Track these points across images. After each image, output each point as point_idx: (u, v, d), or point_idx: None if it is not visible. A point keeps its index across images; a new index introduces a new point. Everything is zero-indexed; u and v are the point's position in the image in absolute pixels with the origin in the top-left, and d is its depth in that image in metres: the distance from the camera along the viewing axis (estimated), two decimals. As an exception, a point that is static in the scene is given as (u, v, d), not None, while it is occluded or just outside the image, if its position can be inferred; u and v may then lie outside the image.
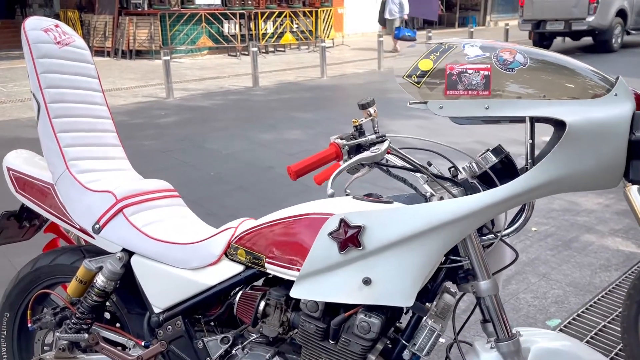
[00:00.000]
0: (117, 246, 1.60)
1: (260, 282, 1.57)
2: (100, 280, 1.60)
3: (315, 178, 1.55)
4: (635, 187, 1.95)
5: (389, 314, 1.38)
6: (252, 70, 9.35)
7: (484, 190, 1.27)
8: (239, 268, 1.51)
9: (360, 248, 1.27)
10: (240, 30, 14.31)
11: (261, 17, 14.59)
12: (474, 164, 1.31)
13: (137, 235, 1.58)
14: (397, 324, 1.50)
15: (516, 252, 1.39)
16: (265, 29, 14.82)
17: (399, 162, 1.37)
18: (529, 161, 1.22)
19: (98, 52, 13.76)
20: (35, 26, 1.71)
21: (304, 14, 15.59)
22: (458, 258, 1.34)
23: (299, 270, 1.37)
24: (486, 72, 1.19)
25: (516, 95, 1.17)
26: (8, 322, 1.87)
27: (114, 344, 1.67)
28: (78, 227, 1.65)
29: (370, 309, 1.35)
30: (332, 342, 1.38)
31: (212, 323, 1.63)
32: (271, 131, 6.16)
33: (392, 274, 1.27)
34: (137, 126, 6.43)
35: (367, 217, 1.26)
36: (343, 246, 1.28)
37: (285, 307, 1.46)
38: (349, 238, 1.27)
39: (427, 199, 1.34)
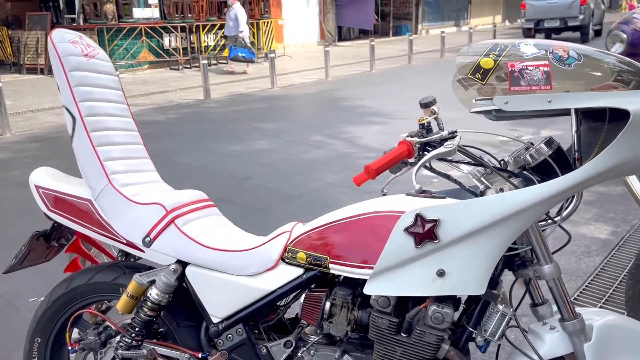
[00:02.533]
0: (170, 258, 1.58)
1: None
2: (154, 293, 1.57)
3: (355, 179, 1.60)
4: (634, 175, 2.13)
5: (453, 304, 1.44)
6: (203, 83, 9.24)
7: (537, 180, 1.37)
8: (299, 271, 1.52)
9: (436, 241, 1.32)
10: (182, 43, 14.09)
11: (202, 30, 14.44)
12: (527, 156, 1.39)
13: (192, 245, 1.56)
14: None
15: (569, 235, 1.49)
16: (207, 42, 14.68)
17: (463, 158, 1.43)
18: (576, 150, 1.32)
19: (30, 69, 13.14)
20: (62, 39, 1.66)
21: (245, 25, 15.57)
22: (517, 246, 1.42)
23: (367, 268, 1.40)
24: (546, 69, 1.28)
25: (577, 89, 1.27)
26: (39, 347, 1.79)
27: (168, 359, 1.63)
28: (125, 241, 1.61)
29: (439, 300, 1.40)
30: (405, 335, 1.42)
31: (265, 329, 1.63)
32: (238, 142, 6.12)
33: (466, 264, 1.34)
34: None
35: (442, 211, 1.32)
36: (419, 240, 1.33)
37: (352, 306, 1.49)
38: (426, 232, 1.32)
39: (481, 193, 1.41)
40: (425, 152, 1.38)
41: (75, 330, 1.81)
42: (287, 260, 1.54)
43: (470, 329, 1.45)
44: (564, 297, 1.40)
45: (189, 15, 14.51)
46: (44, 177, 1.74)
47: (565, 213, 1.45)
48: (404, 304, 1.45)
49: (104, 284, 1.70)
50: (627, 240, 3.34)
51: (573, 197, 1.46)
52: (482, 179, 1.42)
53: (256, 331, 1.62)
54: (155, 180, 1.80)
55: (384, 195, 1.54)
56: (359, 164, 5.17)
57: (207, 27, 14.55)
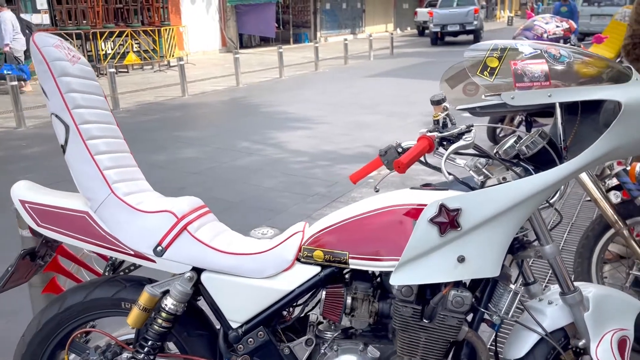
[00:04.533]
0: (184, 266, 1.54)
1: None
2: (169, 303, 1.52)
3: (352, 178, 1.66)
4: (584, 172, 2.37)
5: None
6: (111, 92, 8.81)
7: (533, 169, 1.50)
8: (316, 269, 1.55)
9: (458, 229, 1.41)
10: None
11: (100, 37, 13.74)
12: (523, 147, 1.52)
13: (207, 251, 1.53)
14: None
15: (561, 216, 1.65)
16: (106, 50, 13.98)
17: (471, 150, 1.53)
18: (562, 140, 1.48)
19: None
20: (46, 42, 1.56)
21: (146, 32, 15.02)
22: (521, 230, 1.55)
23: (389, 260, 1.46)
24: (544, 66, 1.42)
25: (572, 83, 1.42)
26: (29, 375, 1.65)
27: (184, 370, 1.58)
28: (132, 252, 1.54)
29: (457, 285, 1.50)
30: (427, 321, 1.49)
31: (282, 330, 1.63)
32: (162, 152, 5.91)
33: (483, 249, 1.44)
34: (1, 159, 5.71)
35: (463, 200, 1.41)
36: (444, 229, 1.41)
37: (372, 298, 1.54)
38: (450, 221, 1.41)
39: (482, 183, 1.52)
40: (443, 146, 1.47)
41: (62, 353, 1.69)
42: (302, 259, 1.56)
43: (482, 309, 1.55)
44: (563, 273, 1.55)
45: (84, 21, 13.74)
46: (28, 191, 1.62)
47: (557, 196, 1.60)
48: (422, 293, 1.52)
49: (103, 299, 1.61)
50: (574, 225, 3.67)
51: (562, 183, 1.62)
52: (483, 169, 1.53)
53: (277, 333, 1.61)
54: (148, 188, 1.73)
55: (377, 192, 1.62)
56: (295, 168, 5.22)
57: (105, 34, 13.86)
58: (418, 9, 26.65)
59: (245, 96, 9.88)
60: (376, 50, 16.87)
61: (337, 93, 9.83)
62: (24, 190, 1.62)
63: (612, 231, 2.38)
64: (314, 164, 5.36)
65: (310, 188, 4.58)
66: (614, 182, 2.36)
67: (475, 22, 19.68)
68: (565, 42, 4.69)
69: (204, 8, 19.19)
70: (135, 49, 14.70)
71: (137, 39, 14.68)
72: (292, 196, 4.40)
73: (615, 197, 2.32)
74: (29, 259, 1.65)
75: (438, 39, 20.58)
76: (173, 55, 15.43)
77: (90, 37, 13.60)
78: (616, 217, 2.26)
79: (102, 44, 13.80)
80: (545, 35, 4.79)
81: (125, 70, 14.65)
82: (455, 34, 20.37)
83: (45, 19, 13.20)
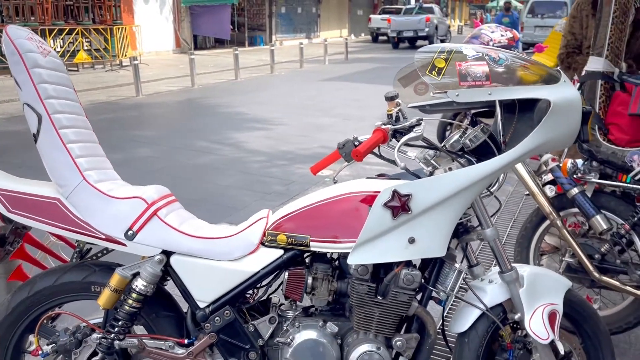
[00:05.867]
0: (154, 249, 1.62)
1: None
2: (140, 284, 1.60)
3: (312, 169, 1.79)
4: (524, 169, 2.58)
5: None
6: (62, 91, 8.61)
7: (475, 161, 1.67)
8: (279, 252, 1.66)
9: (409, 212, 1.56)
10: (25, 48, 12.89)
11: (49, 35, 13.37)
12: (466, 140, 1.69)
13: (176, 235, 1.63)
14: None
15: (500, 203, 1.83)
16: (55, 47, 13.62)
17: (421, 143, 1.69)
18: (502, 135, 1.66)
19: None
20: (19, 35, 1.62)
21: (98, 31, 14.72)
22: (465, 215, 1.72)
23: (347, 242, 1.60)
24: (485, 67, 1.59)
25: (509, 84, 1.59)
26: (-3, 359, 1.69)
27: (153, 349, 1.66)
28: (103, 236, 1.62)
29: (407, 264, 1.65)
30: (381, 298, 1.64)
31: (245, 311, 1.74)
32: (118, 151, 5.87)
33: (431, 231, 1.60)
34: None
35: (413, 187, 1.57)
36: (396, 212, 1.56)
37: (331, 278, 1.67)
38: (402, 205, 1.55)
39: (430, 173, 1.67)
40: (396, 138, 1.62)
41: (30, 336, 1.74)
42: (267, 243, 1.67)
43: (430, 287, 1.71)
44: (502, 253, 1.73)
45: (32, 18, 13.35)
46: None
47: (496, 185, 1.78)
48: (377, 272, 1.66)
49: (73, 283, 1.68)
50: (516, 220, 3.93)
51: (500, 173, 1.80)
52: (432, 161, 1.68)
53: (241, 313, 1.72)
54: (117, 177, 1.81)
55: (335, 183, 1.75)
56: (253, 167, 5.31)
57: (55, 32, 13.51)
58: (372, 16, 27.18)
59: (201, 97, 9.87)
60: (331, 55, 17.13)
61: (293, 96, 9.96)
62: None
63: (547, 222, 2.60)
64: (272, 163, 5.47)
65: (268, 186, 4.69)
66: (549, 177, 2.58)
67: (427, 29, 22.23)
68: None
69: (157, 8, 18.95)
70: (86, 47, 14.38)
71: (88, 37, 14.36)
72: (251, 194, 4.49)
73: (550, 191, 2.54)
74: (-1, 246, 1.70)
75: (397, 44, 23.35)
76: (126, 55, 15.16)
77: (39, 34, 13.21)
78: (551, 209, 2.48)
79: (51, 41, 13.43)
80: (491, 43, 5.07)
81: (75, 68, 14.30)
82: (410, 39, 22.77)
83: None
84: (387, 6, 28.40)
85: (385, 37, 24.70)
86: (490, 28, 5.26)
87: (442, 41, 22.13)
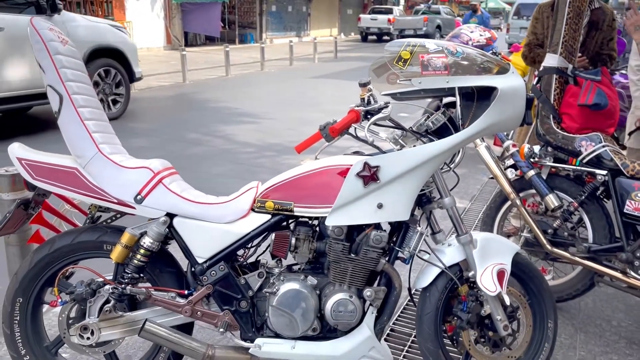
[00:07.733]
0: (159, 212, 1.89)
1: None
2: (147, 242, 1.87)
3: (297, 148, 2.06)
4: (483, 145, 2.88)
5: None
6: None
7: (436, 140, 1.95)
8: (266, 217, 1.94)
9: (378, 181, 1.84)
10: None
11: None
12: (429, 122, 1.96)
13: (178, 200, 1.89)
14: None
15: (458, 177, 2.11)
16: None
17: (389, 123, 1.96)
18: (460, 118, 1.94)
19: None
20: (43, 26, 1.88)
21: (89, 26, 14.86)
22: (426, 187, 2.00)
23: (326, 207, 1.87)
24: (444, 59, 1.87)
25: (465, 73, 1.87)
26: (21, 307, 1.95)
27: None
28: (116, 200, 1.88)
29: (377, 227, 1.93)
30: (354, 255, 1.91)
31: (238, 268, 2.01)
32: (112, 141, 6.10)
33: (397, 198, 1.87)
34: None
35: (381, 160, 1.84)
36: (366, 181, 1.83)
37: (312, 239, 1.94)
38: (372, 175, 1.83)
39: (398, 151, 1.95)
40: (367, 118, 1.89)
41: (49, 289, 1.99)
42: (256, 209, 1.94)
43: (397, 248, 1.98)
44: (458, 219, 2.01)
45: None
46: (24, 151, 1.92)
47: (455, 163, 2.06)
48: (350, 233, 1.94)
49: (88, 242, 1.93)
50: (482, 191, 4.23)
51: (459, 151, 2.08)
52: (399, 140, 1.96)
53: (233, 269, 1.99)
54: (125, 152, 2.07)
55: (317, 159, 2.02)
56: (242, 157, 5.57)
57: None
58: (362, 15, 27.51)
59: (192, 92, 10.10)
60: (321, 53, 17.40)
61: (282, 92, 10.23)
62: (19, 150, 1.92)
63: (509, 203, 2.90)
64: (261, 154, 5.74)
65: (257, 175, 4.95)
66: (511, 161, 2.87)
67: (424, 28, 25.45)
68: (488, 50, 5.29)
69: (148, 5, 19.11)
70: (77, 43, 14.53)
71: (80, 33, 14.51)
72: (241, 182, 4.70)
73: (511, 173, 2.84)
74: (23, 208, 1.95)
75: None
76: (117, 51, 15.32)
77: (31, 28, 13.34)
78: (511, 190, 2.77)
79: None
80: (470, 43, 5.37)
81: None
82: (410, 37, 24.75)
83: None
84: (377, 6, 28.74)
85: (374, 37, 27.16)
86: (470, 28, 5.56)
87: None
